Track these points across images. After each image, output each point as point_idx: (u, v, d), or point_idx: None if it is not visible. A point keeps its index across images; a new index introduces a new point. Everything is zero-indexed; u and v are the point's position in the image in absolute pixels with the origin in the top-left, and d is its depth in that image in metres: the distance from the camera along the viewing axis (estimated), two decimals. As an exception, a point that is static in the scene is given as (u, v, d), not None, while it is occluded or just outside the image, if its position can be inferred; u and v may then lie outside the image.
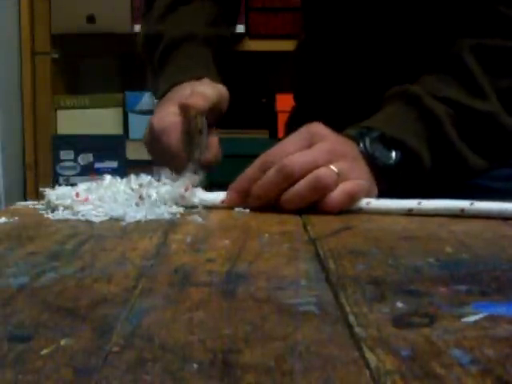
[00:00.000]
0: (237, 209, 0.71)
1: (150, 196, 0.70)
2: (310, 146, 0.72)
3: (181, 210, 0.70)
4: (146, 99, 2.28)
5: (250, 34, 2.23)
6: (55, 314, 0.38)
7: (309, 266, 0.49)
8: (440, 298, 0.41)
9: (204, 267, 0.48)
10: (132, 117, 2.31)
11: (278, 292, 0.42)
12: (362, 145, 0.76)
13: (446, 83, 0.81)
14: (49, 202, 0.70)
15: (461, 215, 0.67)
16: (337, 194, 0.69)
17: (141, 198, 0.69)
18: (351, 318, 0.37)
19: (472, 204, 0.67)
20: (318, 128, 0.74)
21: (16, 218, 0.67)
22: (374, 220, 0.67)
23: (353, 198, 0.70)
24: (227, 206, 0.72)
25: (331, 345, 0.34)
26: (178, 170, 0.76)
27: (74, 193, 0.69)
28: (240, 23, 2.13)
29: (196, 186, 0.73)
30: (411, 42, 0.88)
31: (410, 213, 0.69)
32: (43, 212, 0.69)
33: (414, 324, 0.37)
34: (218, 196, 0.73)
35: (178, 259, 0.51)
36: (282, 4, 2.24)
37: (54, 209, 0.69)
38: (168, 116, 0.82)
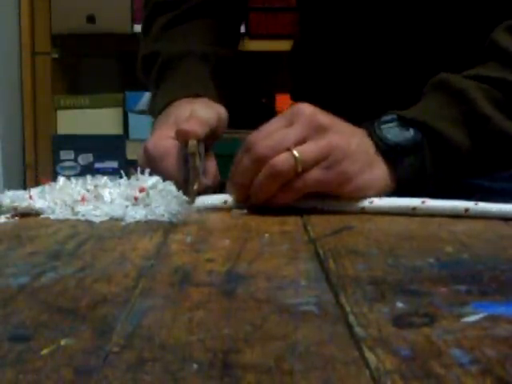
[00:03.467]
0: (237, 209, 0.71)
1: (102, 197, 0.69)
2: (289, 126, 0.69)
3: (181, 210, 0.70)
4: (146, 99, 2.28)
5: (250, 34, 2.22)
6: (55, 314, 0.38)
7: (309, 266, 0.49)
8: (440, 298, 0.41)
9: (204, 267, 0.48)
10: (132, 117, 2.31)
11: (278, 292, 0.42)
12: (372, 129, 0.71)
13: (478, 66, 0.77)
14: (0, 206, 0.68)
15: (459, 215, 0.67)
16: (290, 188, 0.67)
17: (96, 198, 0.69)
18: (351, 318, 0.37)
19: (423, 202, 0.68)
20: (301, 107, 0.70)
21: (16, 218, 0.67)
22: (374, 220, 0.67)
23: (305, 191, 0.67)
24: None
25: (331, 345, 0.34)
26: None
27: (26, 196, 0.69)
28: (240, 23, 2.12)
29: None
30: (410, 42, 0.88)
31: (362, 211, 0.69)
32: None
33: (414, 324, 0.37)
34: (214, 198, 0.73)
35: (178, 259, 0.51)
36: (282, 4, 2.24)
37: (6, 212, 0.68)
38: (163, 141, 0.80)
